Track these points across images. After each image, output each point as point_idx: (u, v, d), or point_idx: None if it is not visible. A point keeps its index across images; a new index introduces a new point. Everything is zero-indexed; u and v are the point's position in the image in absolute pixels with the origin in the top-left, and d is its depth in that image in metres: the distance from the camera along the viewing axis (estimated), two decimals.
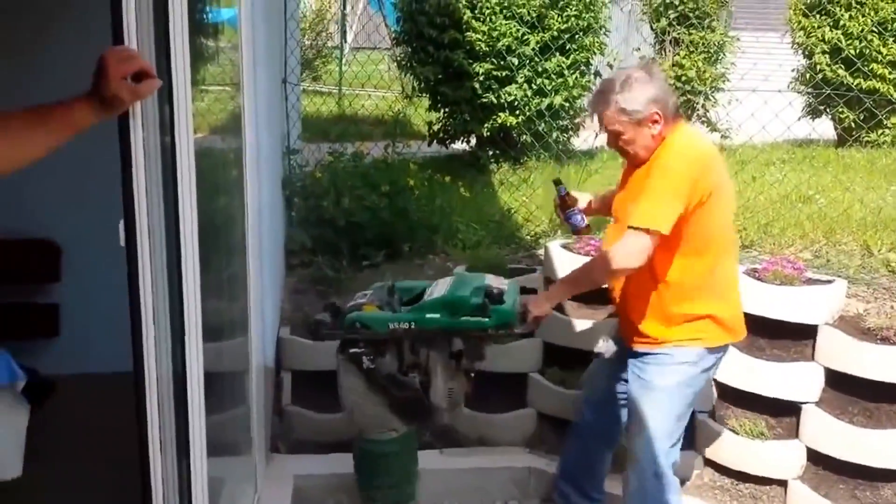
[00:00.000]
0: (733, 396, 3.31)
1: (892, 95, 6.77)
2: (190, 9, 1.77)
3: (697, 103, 7.40)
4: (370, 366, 2.56)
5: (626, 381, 2.75)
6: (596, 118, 2.60)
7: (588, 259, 3.25)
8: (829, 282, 3.33)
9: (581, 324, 3.52)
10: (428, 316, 2.51)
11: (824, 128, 7.33)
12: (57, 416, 3.31)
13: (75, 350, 3.65)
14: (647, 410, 2.61)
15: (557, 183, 2.89)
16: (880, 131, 6.82)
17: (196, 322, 1.84)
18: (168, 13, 1.66)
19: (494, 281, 2.65)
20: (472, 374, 2.73)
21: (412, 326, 2.52)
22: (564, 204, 2.86)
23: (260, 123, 3.08)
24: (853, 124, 6.75)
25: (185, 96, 1.74)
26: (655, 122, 2.48)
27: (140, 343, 1.64)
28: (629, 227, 2.45)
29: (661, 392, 2.60)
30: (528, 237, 4.53)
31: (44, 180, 3.58)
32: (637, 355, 2.66)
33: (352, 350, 2.57)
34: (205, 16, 2.50)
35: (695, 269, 2.53)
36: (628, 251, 2.45)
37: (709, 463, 3.35)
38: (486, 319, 2.49)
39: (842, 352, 3.09)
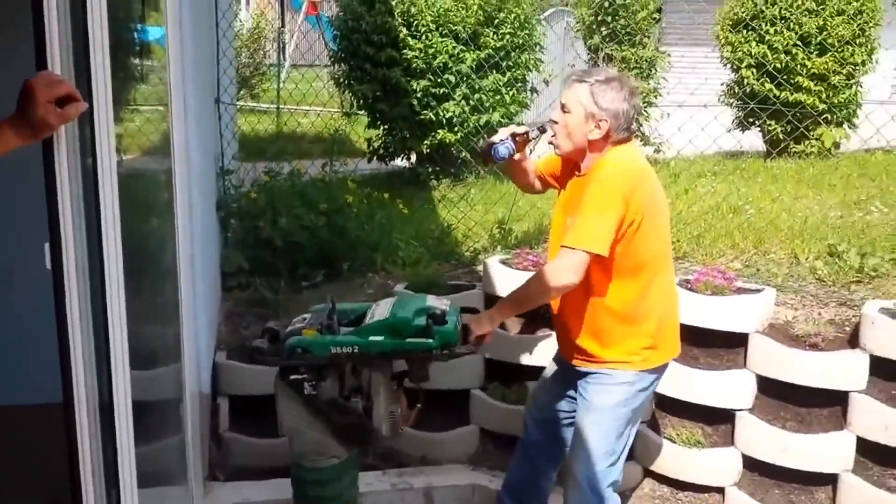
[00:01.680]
0: (670, 406, 3.36)
1: (816, 107, 7.01)
2: (114, 29, 1.74)
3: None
4: (311, 392, 2.50)
5: (570, 399, 2.77)
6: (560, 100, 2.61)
7: (525, 274, 3.27)
8: (759, 290, 3.42)
9: (522, 339, 3.54)
10: (371, 339, 2.46)
11: (753, 140, 7.54)
12: None
13: (2, 381, 3.51)
14: (587, 429, 2.63)
15: (542, 131, 2.71)
16: (807, 142, 7.05)
17: (122, 347, 1.79)
18: (88, 34, 1.62)
19: (435, 301, 2.63)
20: (419, 406, 2.70)
21: (355, 350, 2.47)
22: (515, 138, 2.70)
23: (191, 144, 3.03)
24: (780, 136, 6.97)
25: (107, 117, 1.70)
26: (599, 126, 2.50)
27: (69, 368, 1.58)
28: (563, 246, 2.47)
29: (599, 412, 2.62)
30: (468, 253, 4.54)
31: None
32: (580, 375, 2.67)
33: (292, 377, 2.51)
34: (132, 35, 2.46)
35: (629, 290, 2.55)
36: (562, 270, 2.46)
37: (648, 473, 3.40)
38: (431, 341, 2.46)
39: (772, 359, 3.16)
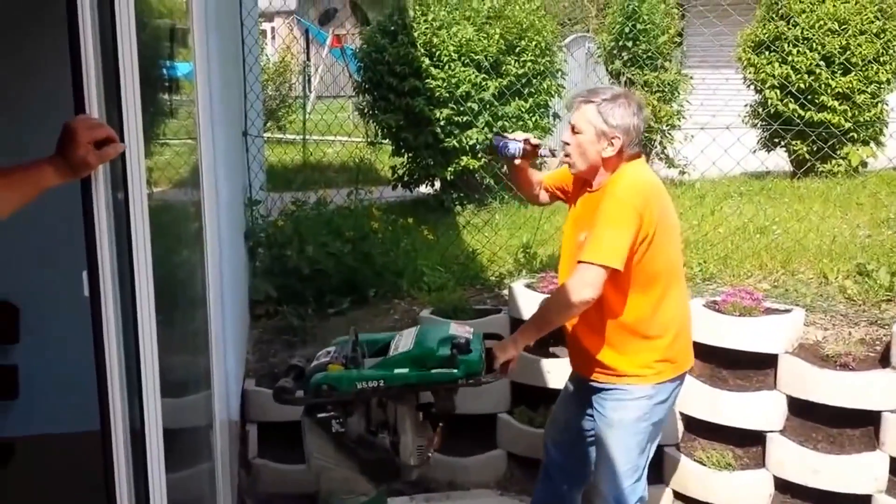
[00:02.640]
0: (699, 428, 3.33)
1: (842, 126, 6.97)
2: (145, 66, 1.80)
3: (655, 141, 7.56)
4: (339, 430, 2.48)
5: (589, 417, 2.77)
6: (568, 127, 2.63)
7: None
8: (788, 311, 3.39)
9: (547, 362, 3.54)
10: (396, 372, 2.45)
11: (778, 160, 7.51)
12: (17, 479, 3.24)
13: (34, 411, 3.59)
14: (609, 446, 2.63)
15: (552, 154, 2.86)
16: (833, 161, 7.00)
17: (154, 376, 1.83)
18: (119, 72, 1.68)
19: (459, 329, 2.62)
20: (441, 425, 2.68)
21: (381, 384, 2.45)
22: (526, 144, 2.80)
23: (219, 176, 3.09)
24: (806, 156, 6.93)
25: (138, 152, 1.75)
26: (612, 144, 2.53)
27: (106, 396, 1.62)
28: (580, 262, 2.47)
29: (620, 428, 2.62)
30: (493, 278, 4.56)
31: None
32: (596, 391, 2.67)
33: (319, 415, 2.48)
34: (162, 72, 2.53)
35: (643, 305, 2.57)
36: (580, 286, 2.46)
37: (678, 496, 3.36)
38: (456, 371, 2.45)
39: (802, 379, 3.13)
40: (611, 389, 2.63)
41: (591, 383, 2.67)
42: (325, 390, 2.45)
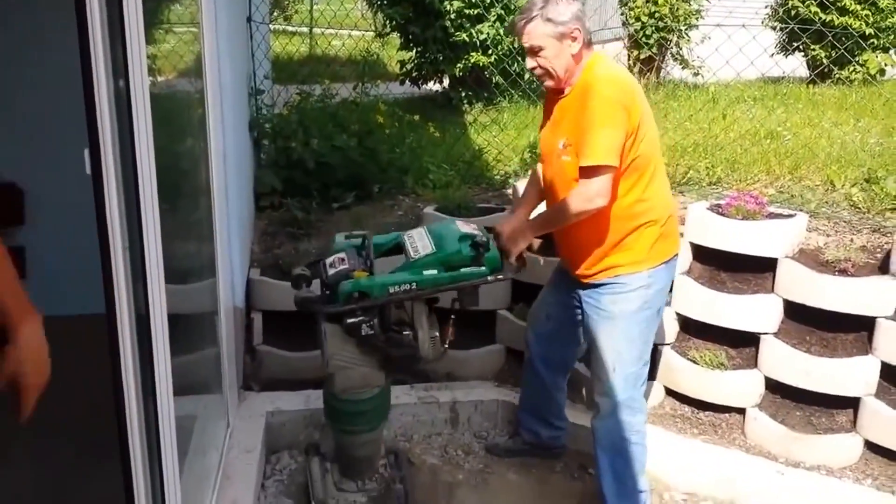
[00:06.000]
0: (695, 328, 3.38)
1: (863, 31, 6.77)
2: None
3: (671, 41, 7.37)
4: (370, 332, 2.49)
5: (574, 308, 2.82)
6: (519, 42, 2.64)
7: None
8: (791, 216, 3.39)
9: (547, 261, 3.56)
10: (426, 274, 2.48)
11: (796, 65, 7.34)
12: None
13: (41, 293, 3.63)
14: (612, 339, 2.67)
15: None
16: (850, 68, 6.84)
17: (157, 260, 1.85)
18: None
19: (466, 227, 2.64)
20: (452, 317, 2.70)
21: (413, 287, 2.48)
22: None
23: (223, 64, 3.04)
24: (824, 60, 6.77)
25: (139, 38, 1.72)
26: (574, 38, 2.54)
27: (110, 278, 1.64)
28: (585, 167, 2.47)
29: (621, 320, 2.65)
30: (498, 177, 4.54)
31: (4, 125, 3.54)
32: (590, 287, 2.70)
33: (350, 320, 2.48)
34: None
35: (634, 193, 2.58)
36: (593, 194, 2.47)
37: (670, 393, 3.45)
38: (483, 268, 2.51)
39: (800, 283, 3.15)
40: (606, 284, 2.66)
41: (585, 279, 2.70)
42: (357, 297, 2.46)
